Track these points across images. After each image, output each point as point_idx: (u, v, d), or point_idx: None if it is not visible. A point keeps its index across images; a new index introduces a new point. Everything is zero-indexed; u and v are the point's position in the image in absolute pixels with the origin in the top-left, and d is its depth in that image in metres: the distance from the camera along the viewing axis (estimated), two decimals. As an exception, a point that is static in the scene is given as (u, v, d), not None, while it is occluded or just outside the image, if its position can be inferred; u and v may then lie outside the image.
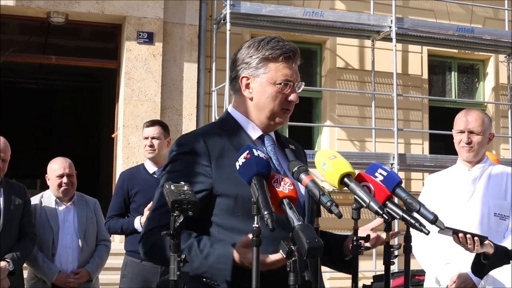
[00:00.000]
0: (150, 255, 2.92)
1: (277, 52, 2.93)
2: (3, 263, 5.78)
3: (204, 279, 2.70)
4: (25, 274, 6.48)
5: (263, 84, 2.94)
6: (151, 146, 6.33)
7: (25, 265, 6.31)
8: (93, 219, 6.48)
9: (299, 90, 3.01)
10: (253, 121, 3.00)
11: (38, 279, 6.28)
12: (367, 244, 2.84)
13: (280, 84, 2.93)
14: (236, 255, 2.62)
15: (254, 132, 3.00)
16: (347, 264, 3.01)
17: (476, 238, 4.20)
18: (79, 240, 6.32)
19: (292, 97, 2.96)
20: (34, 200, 6.42)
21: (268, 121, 2.99)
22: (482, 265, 4.35)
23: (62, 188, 6.34)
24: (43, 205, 6.34)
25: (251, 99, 2.98)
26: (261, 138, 3.01)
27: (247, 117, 3.02)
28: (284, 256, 2.34)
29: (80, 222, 6.36)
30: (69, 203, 6.40)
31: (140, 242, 2.90)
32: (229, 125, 3.01)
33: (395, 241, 10.12)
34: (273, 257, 2.53)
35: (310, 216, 2.92)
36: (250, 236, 2.44)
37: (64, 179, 6.33)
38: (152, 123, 6.61)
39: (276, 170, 2.88)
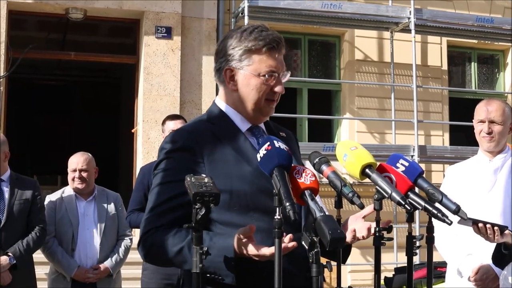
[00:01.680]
0: (149, 258, 2.89)
1: (260, 43, 2.87)
2: (3, 258, 5.80)
3: (208, 275, 2.62)
4: (47, 269, 6.53)
5: (247, 76, 2.89)
6: None
7: (46, 260, 6.36)
8: (114, 214, 6.49)
9: (285, 80, 2.94)
10: (241, 113, 2.96)
11: (58, 274, 6.31)
12: (348, 239, 2.81)
13: (265, 75, 2.87)
14: (236, 246, 2.58)
15: (243, 125, 2.96)
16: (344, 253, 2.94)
17: (496, 228, 4.17)
18: (99, 235, 6.34)
19: (277, 88, 2.91)
20: (56, 195, 6.47)
21: (253, 113, 2.94)
22: (502, 256, 4.33)
23: (74, 183, 6.37)
24: (63, 200, 6.38)
25: (236, 91, 2.94)
26: (250, 129, 2.97)
27: (234, 109, 2.97)
28: (307, 247, 2.33)
29: (100, 217, 6.38)
30: (90, 198, 6.43)
31: (138, 246, 2.85)
32: (217, 119, 2.98)
33: (417, 232, 10.08)
34: (272, 250, 2.47)
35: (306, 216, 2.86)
36: (249, 227, 2.44)
37: (77, 174, 6.36)
38: (177, 116, 6.68)
39: None
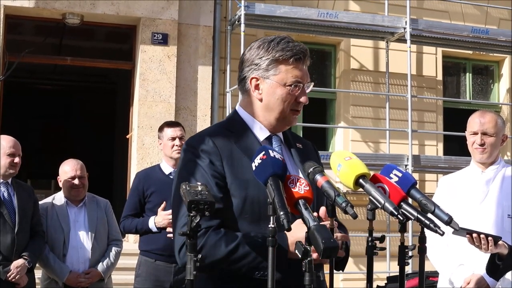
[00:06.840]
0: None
1: (287, 53, 2.92)
2: (21, 261, 5.87)
3: (256, 273, 2.70)
4: (39, 274, 6.53)
5: (273, 86, 2.94)
6: (181, 146, 6.33)
7: (38, 265, 6.38)
8: (104, 220, 6.51)
9: (308, 90, 3.00)
10: (261, 122, 3.01)
11: (51, 280, 6.31)
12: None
13: (291, 85, 2.92)
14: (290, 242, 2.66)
15: (262, 133, 3.01)
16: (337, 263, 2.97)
17: (490, 238, 4.20)
18: (90, 241, 6.35)
19: (302, 99, 2.96)
20: (46, 201, 6.48)
21: (277, 122, 2.99)
22: (496, 266, 4.35)
23: (74, 190, 6.38)
24: (54, 206, 6.38)
25: (261, 100, 2.99)
26: (268, 138, 3.02)
27: (254, 118, 3.02)
28: (300, 256, 2.35)
29: (91, 223, 6.39)
30: (80, 204, 6.43)
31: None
32: (236, 126, 3.02)
33: (409, 242, 10.11)
34: None
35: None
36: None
37: (76, 181, 6.37)
38: (176, 123, 6.63)
39: None
